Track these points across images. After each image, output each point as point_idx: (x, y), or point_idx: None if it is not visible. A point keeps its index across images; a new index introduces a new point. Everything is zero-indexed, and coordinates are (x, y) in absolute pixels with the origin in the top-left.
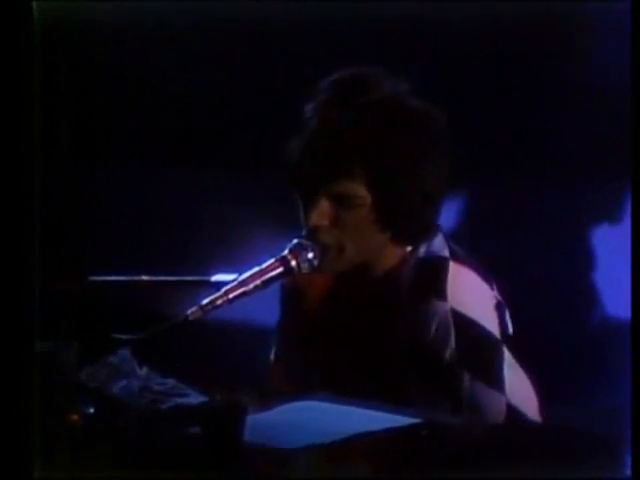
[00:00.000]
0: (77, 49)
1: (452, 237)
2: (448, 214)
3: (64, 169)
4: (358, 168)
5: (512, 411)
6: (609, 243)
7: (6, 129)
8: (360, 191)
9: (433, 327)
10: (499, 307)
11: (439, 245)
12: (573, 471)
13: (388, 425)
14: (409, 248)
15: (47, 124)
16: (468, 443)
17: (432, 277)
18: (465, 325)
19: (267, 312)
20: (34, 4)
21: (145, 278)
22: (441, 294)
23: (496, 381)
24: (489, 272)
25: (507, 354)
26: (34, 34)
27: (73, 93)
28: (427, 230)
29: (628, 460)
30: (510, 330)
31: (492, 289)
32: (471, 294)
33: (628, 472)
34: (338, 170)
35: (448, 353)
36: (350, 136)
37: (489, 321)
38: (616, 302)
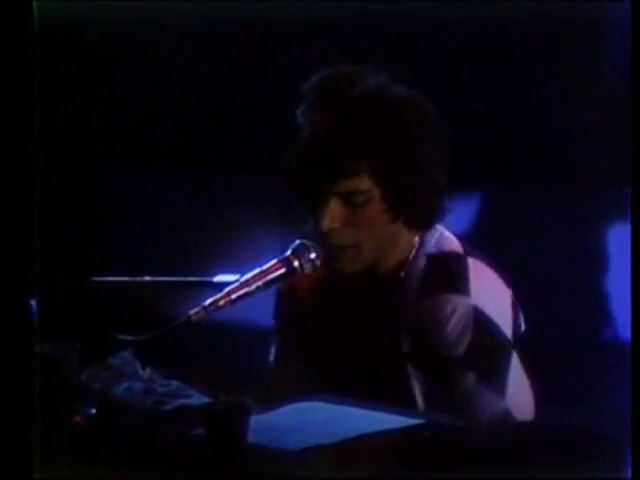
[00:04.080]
0: (77, 49)
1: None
2: (455, 216)
3: (65, 169)
4: (358, 163)
5: (506, 416)
6: (609, 244)
7: (6, 129)
8: (365, 185)
9: (453, 321)
10: (515, 307)
11: (450, 241)
12: (574, 471)
13: (390, 426)
14: (417, 239)
15: (47, 124)
16: (470, 444)
17: (453, 272)
18: (483, 325)
19: (270, 313)
20: (34, 4)
21: (147, 279)
22: (465, 290)
23: (499, 387)
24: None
25: (515, 360)
26: (34, 34)
27: (73, 93)
28: (436, 213)
29: (628, 460)
30: (522, 328)
31: (508, 287)
32: (492, 293)
33: (629, 472)
34: (339, 169)
35: (462, 348)
36: (343, 133)
37: (505, 322)
38: (616, 302)
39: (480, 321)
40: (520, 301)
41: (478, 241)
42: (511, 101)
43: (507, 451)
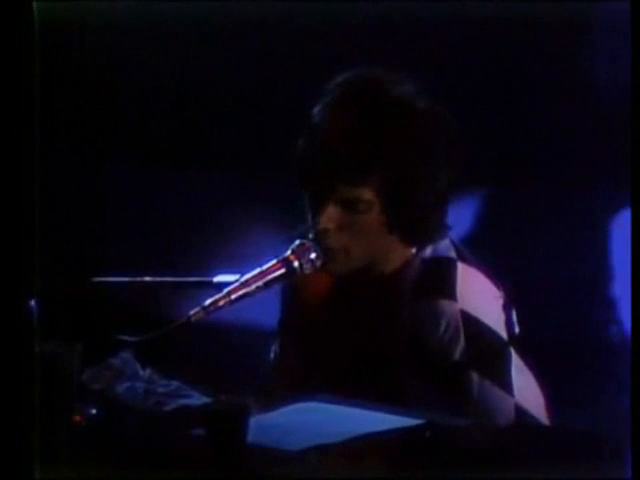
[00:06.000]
0: (77, 49)
1: (458, 239)
2: (454, 216)
3: (65, 169)
4: (367, 173)
5: (521, 413)
6: (609, 244)
7: (6, 129)
8: (368, 196)
9: (442, 326)
10: (506, 307)
11: (445, 246)
12: (574, 471)
13: (391, 426)
14: (414, 249)
15: (47, 123)
16: (471, 444)
17: (440, 277)
18: (474, 327)
19: (270, 313)
20: (34, 4)
21: (147, 279)
22: (451, 294)
23: (505, 383)
24: (495, 273)
25: (514, 356)
26: (34, 34)
27: (73, 93)
28: (435, 232)
29: (629, 460)
30: (517, 330)
31: (499, 289)
32: (480, 296)
33: (629, 472)
34: (347, 175)
35: (458, 352)
36: (360, 141)
37: (497, 323)
38: (617, 302)
39: (470, 324)
40: (519, 302)
41: (477, 241)
42: (510, 101)
43: (507, 451)
